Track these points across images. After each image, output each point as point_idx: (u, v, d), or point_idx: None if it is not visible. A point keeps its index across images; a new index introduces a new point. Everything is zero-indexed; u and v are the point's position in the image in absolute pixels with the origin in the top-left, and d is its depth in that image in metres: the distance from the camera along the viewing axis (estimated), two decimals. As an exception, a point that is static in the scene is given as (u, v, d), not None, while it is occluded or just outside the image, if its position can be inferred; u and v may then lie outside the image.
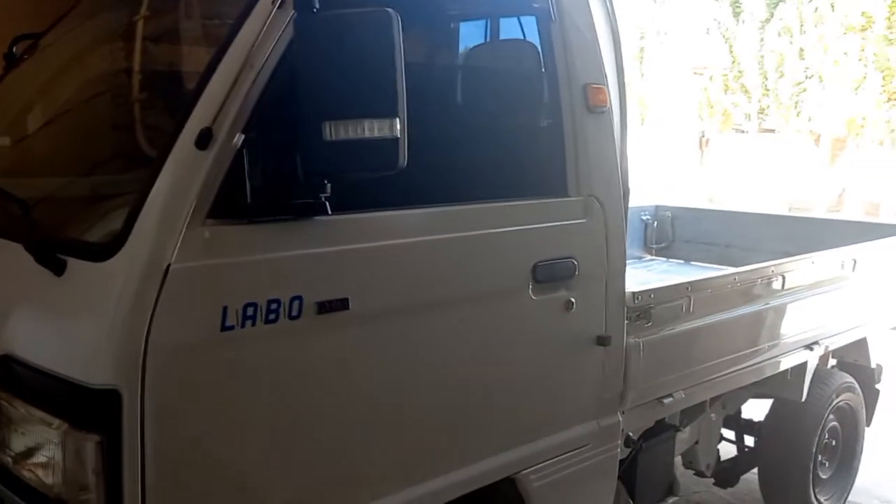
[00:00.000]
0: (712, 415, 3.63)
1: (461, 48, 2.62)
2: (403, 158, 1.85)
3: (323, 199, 1.92)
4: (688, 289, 3.00)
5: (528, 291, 2.42)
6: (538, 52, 2.60)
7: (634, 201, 4.99)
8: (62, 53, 2.78)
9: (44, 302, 1.91)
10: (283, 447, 1.96)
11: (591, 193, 2.61)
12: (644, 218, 5.01)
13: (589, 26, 2.66)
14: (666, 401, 2.98)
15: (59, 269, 1.84)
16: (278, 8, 1.93)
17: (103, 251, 1.79)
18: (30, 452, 1.87)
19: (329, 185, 1.92)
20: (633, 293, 2.77)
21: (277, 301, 1.90)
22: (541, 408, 2.56)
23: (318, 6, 1.85)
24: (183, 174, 1.81)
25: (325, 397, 2.03)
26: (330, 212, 1.94)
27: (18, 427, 1.89)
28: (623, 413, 2.82)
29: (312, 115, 1.83)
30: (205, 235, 1.83)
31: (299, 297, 1.94)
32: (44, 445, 1.82)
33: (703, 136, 20.27)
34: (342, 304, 2.00)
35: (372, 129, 1.81)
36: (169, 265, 1.76)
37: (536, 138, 2.60)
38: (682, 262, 5.13)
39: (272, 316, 1.89)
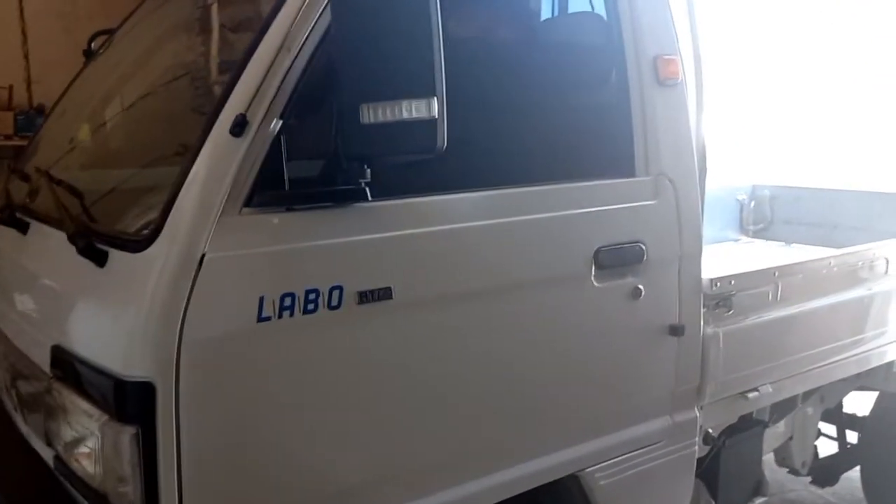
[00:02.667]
0: (809, 409, 3.43)
1: (519, 21, 2.51)
2: (443, 140, 1.78)
3: (363, 184, 1.88)
4: (775, 274, 2.83)
5: (590, 278, 2.32)
6: (603, 24, 2.49)
7: (729, 180, 4.81)
8: (126, 49, 2.85)
9: (88, 293, 1.94)
10: (322, 441, 1.93)
11: (662, 173, 2.48)
12: (740, 198, 4.77)
13: None
14: (750, 395, 2.82)
15: (100, 259, 1.86)
16: None
17: (140, 242, 1.80)
18: (77, 443, 1.90)
19: (369, 171, 1.88)
20: (712, 279, 2.62)
21: (316, 291, 1.87)
22: (607, 401, 2.45)
23: None
24: (217, 162, 1.80)
25: (368, 389, 1.99)
26: (370, 197, 1.89)
27: (67, 417, 1.92)
28: (701, 408, 2.69)
29: (350, 98, 1.78)
30: (241, 224, 1.82)
31: (339, 287, 1.90)
32: (88, 436, 1.85)
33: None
34: (385, 293, 1.96)
35: (409, 109, 1.75)
36: (203, 255, 1.75)
37: (601, 115, 2.48)
38: (782, 244, 4.86)
39: (311, 306, 1.87)
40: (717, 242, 4.67)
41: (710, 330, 2.64)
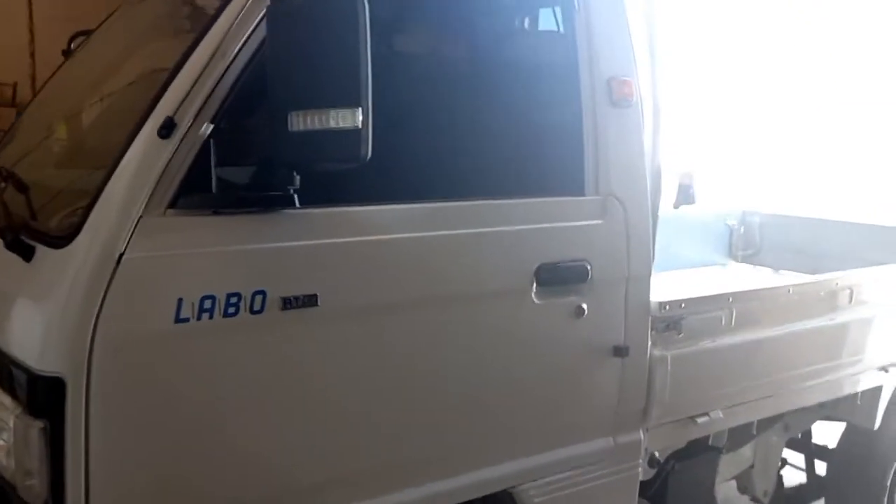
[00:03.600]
0: (773, 437, 3.40)
1: (471, 37, 2.54)
2: (367, 150, 1.81)
3: (291, 191, 1.91)
4: (729, 300, 2.82)
5: (530, 294, 2.34)
6: (558, 42, 2.52)
7: (719, 205, 4.80)
8: (94, 51, 2.90)
9: (15, 287, 1.98)
10: (235, 445, 1.96)
11: (611, 193, 2.49)
12: (730, 223, 4.76)
13: (619, 15, 2.54)
14: (700, 420, 2.81)
15: (26, 254, 1.90)
16: None
17: (62, 239, 1.84)
18: None
19: (298, 178, 1.91)
20: (661, 302, 2.63)
21: (238, 295, 1.90)
22: (545, 418, 2.46)
23: None
24: (141, 163, 1.84)
25: (290, 395, 2.01)
26: (297, 204, 1.92)
27: None
28: (647, 430, 2.69)
29: (279, 105, 1.83)
30: (164, 225, 1.85)
31: (263, 292, 1.93)
32: (4, 429, 1.88)
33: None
34: (310, 300, 1.99)
35: (336, 118, 1.79)
36: (122, 254, 1.79)
37: (551, 133, 2.49)
38: (770, 270, 4.84)
39: (232, 310, 1.90)
40: (706, 266, 4.67)
41: (657, 352, 2.65)
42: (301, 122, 1.80)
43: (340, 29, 1.78)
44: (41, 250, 1.90)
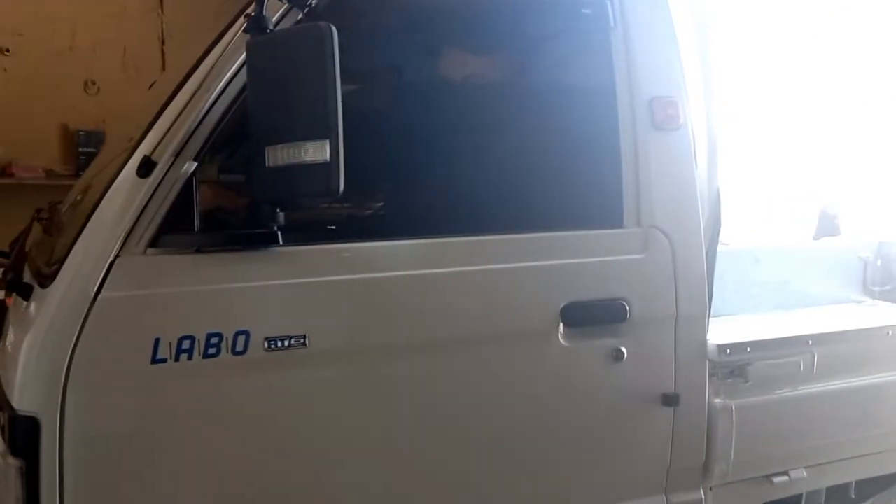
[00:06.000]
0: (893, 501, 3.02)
1: (496, 57, 2.45)
2: (338, 183, 1.78)
3: (275, 228, 1.92)
4: (808, 342, 2.54)
5: (555, 336, 2.21)
6: (589, 62, 2.40)
7: (851, 237, 4.38)
8: (152, 93, 3.05)
9: (15, 327, 2.09)
10: (212, 490, 1.96)
11: (655, 225, 2.32)
12: (863, 256, 4.32)
13: (664, 30, 2.39)
14: (777, 479, 2.54)
15: (25, 293, 2.01)
16: (243, 31, 1.96)
17: (47, 278, 1.92)
18: None
19: (281, 215, 1.92)
20: (721, 345, 2.41)
21: (219, 335, 1.92)
22: (580, 475, 2.31)
23: (271, 26, 1.88)
24: (119, 202, 1.91)
25: (271, 442, 2.00)
26: (281, 242, 1.92)
27: None
28: (710, 489, 2.45)
29: (258, 140, 1.85)
30: (143, 264, 1.90)
31: (246, 332, 1.93)
32: None
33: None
34: (299, 341, 1.97)
35: (307, 152, 1.78)
36: (97, 294, 1.85)
37: (581, 160, 2.36)
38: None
39: (212, 350, 1.91)
40: (836, 303, 4.26)
41: (719, 402, 2.43)
42: (276, 157, 1.82)
43: (309, 60, 1.78)
44: (36, 290, 2.00)
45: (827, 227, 4.32)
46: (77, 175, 6.47)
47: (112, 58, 6.86)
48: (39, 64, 6.57)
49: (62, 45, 6.69)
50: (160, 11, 7.10)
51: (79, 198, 2.33)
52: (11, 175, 6.32)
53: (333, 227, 2.12)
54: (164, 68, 6.96)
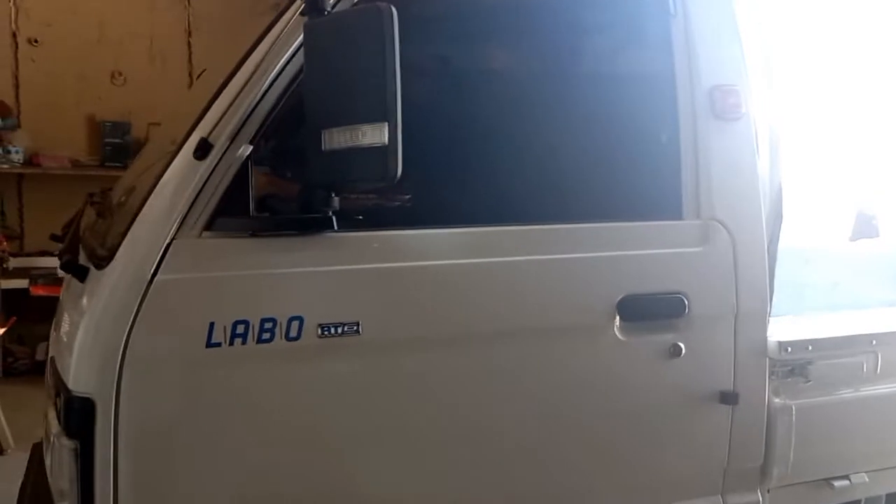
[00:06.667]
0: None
1: (552, 45, 2.41)
2: (395, 169, 1.75)
3: (330, 213, 1.90)
4: (873, 342, 2.50)
5: (611, 330, 2.18)
6: (649, 49, 2.37)
7: (900, 239, 4.30)
8: (205, 77, 3.06)
9: (72, 308, 2.09)
10: (265, 474, 1.94)
11: (714, 217, 2.29)
12: (914, 258, 4.26)
13: (725, 18, 2.36)
14: (837, 484, 2.49)
15: (80, 275, 2.00)
16: (300, 13, 1.95)
17: (103, 259, 1.92)
18: (50, 457, 2.04)
19: (336, 200, 1.90)
20: (781, 343, 2.37)
21: (273, 320, 1.90)
22: (635, 473, 2.27)
23: (329, 8, 1.86)
24: (176, 185, 1.89)
25: (322, 428, 1.98)
26: (336, 227, 1.91)
27: (50, 432, 2.07)
28: (768, 492, 2.41)
29: (315, 123, 1.83)
30: (199, 248, 1.89)
31: (300, 318, 1.92)
32: (51, 447, 1.98)
33: None
34: (351, 328, 1.95)
35: (364, 135, 1.76)
36: (153, 276, 1.84)
37: (639, 150, 2.33)
38: None
39: (266, 335, 1.89)
40: (889, 306, 4.19)
41: (778, 401, 2.39)
42: (332, 140, 1.79)
43: (367, 42, 1.75)
44: (92, 272, 1.99)
45: (865, 228, 4.25)
46: (102, 166, 6.60)
47: (139, 49, 6.96)
48: (67, 55, 6.69)
49: (90, 36, 6.80)
50: (187, 3, 7.18)
51: (133, 183, 2.32)
52: (38, 165, 6.40)
53: (387, 213, 2.10)
54: (190, 60, 7.07)
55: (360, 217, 2.03)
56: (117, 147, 6.64)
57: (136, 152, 6.34)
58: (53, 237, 2.61)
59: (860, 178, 4.40)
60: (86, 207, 2.56)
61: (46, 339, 2.64)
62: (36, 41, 6.80)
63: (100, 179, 5.48)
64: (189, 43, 7.16)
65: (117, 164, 6.27)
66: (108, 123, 6.75)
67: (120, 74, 6.99)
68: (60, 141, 6.63)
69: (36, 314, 5.04)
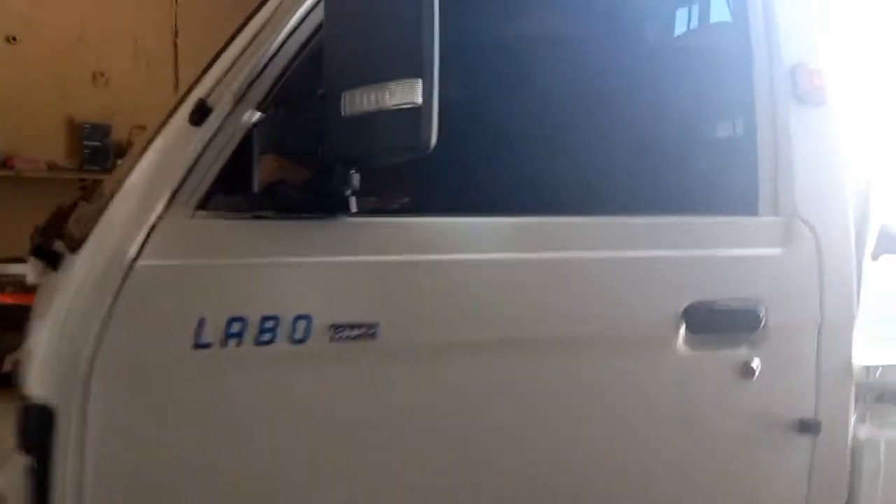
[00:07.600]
0: None
1: (617, 22, 2.17)
2: (429, 136, 1.45)
3: (348, 193, 1.60)
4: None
5: (674, 343, 1.89)
6: (723, 25, 2.13)
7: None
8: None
9: (42, 300, 1.82)
10: (256, 497, 1.67)
11: (796, 214, 2.01)
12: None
13: None
14: (935, 533, 2.19)
15: (52, 261, 1.75)
16: None
17: (76, 242, 1.64)
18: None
19: (356, 177, 1.61)
20: (868, 366, 2.09)
21: (275, 318, 1.61)
22: None
23: None
24: (167, 154, 1.63)
25: (329, 445, 1.70)
26: (354, 209, 1.61)
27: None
28: (855, 534, 2.12)
29: (334, 85, 1.55)
30: (191, 229, 1.61)
31: (307, 317, 1.63)
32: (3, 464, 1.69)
33: None
34: (368, 330, 1.66)
35: (393, 94, 1.46)
36: (134, 260, 1.55)
37: (709, 136, 2.10)
38: None
39: (266, 336, 1.61)
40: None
41: (865, 432, 2.10)
42: (354, 103, 1.50)
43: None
44: (66, 258, 1.71)
45: (887, 244, 4.02)
46: (81, 169, 6.34)
47: (123, 49, 6.71)
48: (47, 53, 6.45)
49: (71, 34, 6.56)
50: (174, 2, 6.94)
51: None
52: (11, 167, 6.13)
53: (418, 196, 1.81)
54: (176, 61, 6.83)
55: (385, 199, 1.74)
56: (96, 150, 6.42)
57: (117, 156, 6.18)
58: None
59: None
60: (78, 203, 2.26)
61: (13, 350, 2.37)
62: (14, 39, 6.56)
63: (77, 183, 5.24)
64: (175, 44, 6.92)
65: (96, 168, 6.06)
66: (87, 126, 6.52)
67: (102, 75, 6.76)
68: (38, 143, 6.39)
69: (2, 323, 4.74)
